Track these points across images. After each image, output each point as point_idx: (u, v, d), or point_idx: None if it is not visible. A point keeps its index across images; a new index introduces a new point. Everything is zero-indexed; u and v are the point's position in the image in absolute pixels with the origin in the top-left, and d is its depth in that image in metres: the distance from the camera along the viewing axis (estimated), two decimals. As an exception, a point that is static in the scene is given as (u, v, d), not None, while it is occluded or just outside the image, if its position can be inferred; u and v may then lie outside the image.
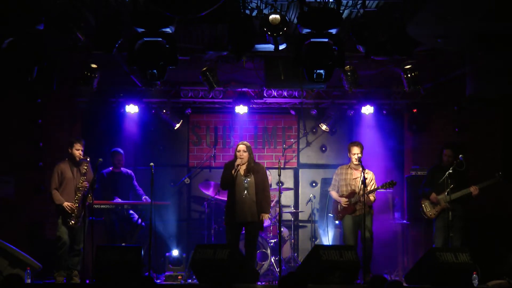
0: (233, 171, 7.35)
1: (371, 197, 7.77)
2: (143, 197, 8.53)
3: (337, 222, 8.22)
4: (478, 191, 7.64)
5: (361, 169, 7.77)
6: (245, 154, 7.40)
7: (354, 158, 7.86)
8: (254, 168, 7.45)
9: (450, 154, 7.80)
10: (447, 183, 7.53)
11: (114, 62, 7.84)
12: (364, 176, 7.40)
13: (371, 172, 7.96)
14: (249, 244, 7.37)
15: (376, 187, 7.80)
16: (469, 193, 7.65)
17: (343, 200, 7.85)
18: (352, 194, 7.81)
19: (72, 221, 7.58)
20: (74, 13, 6.24)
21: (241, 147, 7.44)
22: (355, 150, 7.87)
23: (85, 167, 7.73)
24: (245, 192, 7.33)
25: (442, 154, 7.92)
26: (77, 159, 7.74)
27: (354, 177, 7.86)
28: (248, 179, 7.37)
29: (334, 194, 8.05)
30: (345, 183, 7.94)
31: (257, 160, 9.68)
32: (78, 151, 7.73)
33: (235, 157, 7.45)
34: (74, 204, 7.61)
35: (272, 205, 8.95)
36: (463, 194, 7.68)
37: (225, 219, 7.49)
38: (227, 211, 7.44)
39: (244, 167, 7.42)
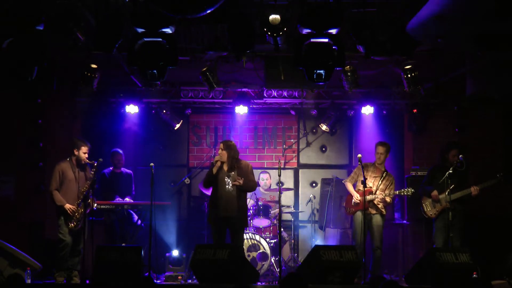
0: (213, 169, 7.47)
1: (388, 199, 7.83)
2: (126, 198, 8.51)
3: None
4: (478, 192, 7.64)
5: (383, 169, 7.93)
6: (223, 153, 7.51)
7: (377, 157, 7.97)
8: (237, 165, 7.56)
9: (456, 154, 7.79)
10: (447, 183, 7.53)
11: (114, 62, 7.83)
12: (364, 177, 7.51)
13: (392, 176, 8.05)
14: (233, 240, 7.42)
15: (393, 191, 7.89)
16: (469, 193, 7.65)
17: (355, 196, 7.90)
18: (368, 191, 7.83)
19: (73, 224, 7.57)
20: (74, 13, 6.24)
21: (220, 145, 7.62)
22: (379, 149, 7.98)
23: (92, 172, 7.70)
24: (227, 188, 7.43)
25: (448, 154, 7.87)
26: (83, 162, 7.73)
27: (374, 175, 7.90)
28: (231, 175, 7.48)
29: (349, 185, 8.09)
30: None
31: (257, 161, 9.82)
32: (85, 154, 7.72)
33: None
34: (76, 206, 7.60)
35: (272, 205, 8.98)
36: (463, 194, 7.68)
37: (208, 215, 7.59)
38: (210, 206, 7.55)
39: (226, 164, 7.52)
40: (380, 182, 7.92)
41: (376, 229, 7.81)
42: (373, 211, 7.82)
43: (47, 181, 8.10)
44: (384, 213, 7.89)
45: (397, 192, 7.84)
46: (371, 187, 7.84)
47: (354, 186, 8.10)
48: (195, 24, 6.98)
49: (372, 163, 8.06)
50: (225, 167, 7.53)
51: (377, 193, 7.84)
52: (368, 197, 7.76)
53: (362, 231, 7.61)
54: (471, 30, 5.99)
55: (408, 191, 7.79)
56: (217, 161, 7.49)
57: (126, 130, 9.49)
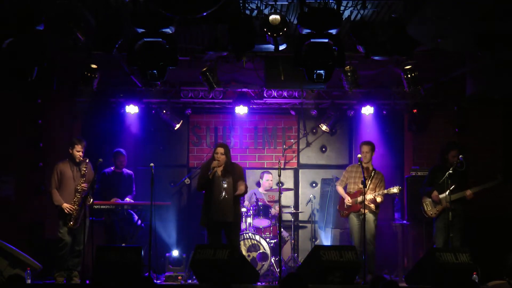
0: (209, 174, 7.40)
1: (378, 198, 7.83)
2: (126, 198, 8.51)
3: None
4: (472, 196, 7.66)
5: (371, 168, 7.88)
6: (222, 157, 7.46)
7: (363, 156, 7.97)
8: (231, 169, 7.54)
9: (456, 154, 7.78)
10: (447, 183, 7.53)
11: (114, 62, 7.84)
12: (364, 177, 7.49)
13: (381, 174, 8.05)
14: (229, 243, 7.40)
15: (384, 189, 7.88)
16: (464, 196, 7.67)
17: (347, 199, 7.94)
18: (359, 193, 7.84)
19: (71, 223, 7.58)
20: (74, 13, 6.25)
21: (220, 149, 7.50)
22: (364, 149, 8.00)
23: (84, 168, 7.72)
24: (223, 193, 7.41)
25: (448, 155, 7.87)
26: (77, 160, 7.74)
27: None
28: (227, 180, 7.45)
29: (340, 189, 8.16)
30: (353, 181, 8.04)
31: (257, 161, 9.82)
32: (78, 152, 7.72)
33: (212, 158, 7.52)
34: (73, 205, 7.61)
35: (272, 205, 8.98)
36: (460, 196, 7.68)
37: (202, 220, 7.54)
38: (204, 212, 7.51)
39: (221, 168, 7.50)
40: (369, 182, 7.92)
41: (367, 226, 7.79)
42: (365, 211, 7.79)
43: (47, 181, 8.11)
44: (376, 212, 7.90)
45: (385, 191, 7.83)
46: (361, 188, 7.83)
47: (345, 188, 8.12)
48: (195, 24, 6.97)
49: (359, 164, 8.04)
50: (219, 171, 7.50)
51: (367, 193, 7.83)
52: (359, 199, 7.78)
53: (358, 233, 7.65)
54: (471, 30, 5.99)
55: (395, 188, 7.78)
56: (214, 167, 7.41)
57: (126, 130, 9.48)
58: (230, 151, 7.65)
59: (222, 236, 7.57)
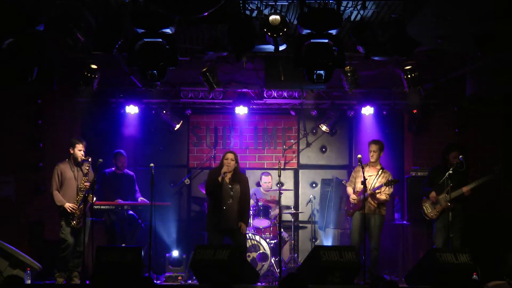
0: (219, 178, 7.44)
1: (383, 196, 7.79)
2: (139, 198, 8.54)
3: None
4: (469, 192, 7.65)
5: (378, 167, 7.85)
6: (233, 163, 7.53)
7: (370, 155, 7.98)
8: (239, 177, 7.61)
9: (457, 155, 7.77)
10: (447, 184, 7.53)
11: (114, 62, 7.83)
12: (364, 177, 7.47)
13: (389, 173, 8.01)
14: (235, 242, 7.43)
15: (388, 187, 7.84)
16: (462, 193, 7.66)
17: (351, 196, 7.95)
18: (363, 192, 7.83)
19: (74, 222, 7.57)
20: (74, 13, 6.25)
21: (230, 155, 7.57)
22: (372, 147, 8.00)
23: (87, 167, 7.73)
24: (230, 199, 7.46)
25: (448, 155, 7.87)
26: (79, 159, 7.74)
27: (369, 175, 7.89)
28: (235, 188, 7.51)
29: (349, 190, 8.15)
30: (360, 180, 7.98)
31: (257, 161, 9.83)
32: (80, 151, 7.73)
33: (221, 165, 7.56)
34: (76, 204, 7.60)
35: (272, 206, 8.98)
36: (458, 194, 7.67)
37: (208, 225, 7.57)
38: (210, 217, 7.53)
39: (229, 175, 7.54)
40: (375, 180, 7.91)
41: (373, 230, 7.79)
42: (370, 211, 7.78)
43: (47, 181, 8.11)
44: (383, 213, 7.88)
45: (384, 184, 7.74)
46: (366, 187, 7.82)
47: (354, 189, 8.11)
48: (195, 24, 6.98)
49: (367, 163, 8.04)
50: (227, 178, 7.54)
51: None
52: (362, 197, 7.76)
53: (359, 233, 7.65)
54: (471, 30, 5.99)
55: (394, 181, 7.74)
56: (225, 172, 7.47)
57: (126, 130, 9.48)
58: (238, 160, 7.68)
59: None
